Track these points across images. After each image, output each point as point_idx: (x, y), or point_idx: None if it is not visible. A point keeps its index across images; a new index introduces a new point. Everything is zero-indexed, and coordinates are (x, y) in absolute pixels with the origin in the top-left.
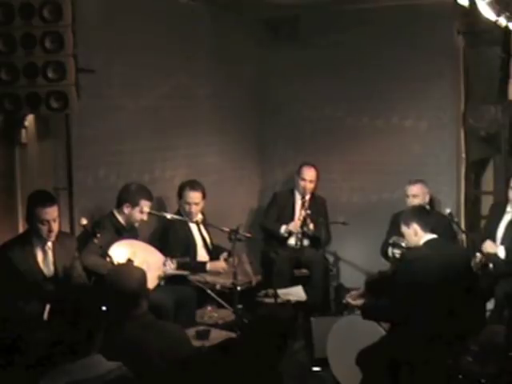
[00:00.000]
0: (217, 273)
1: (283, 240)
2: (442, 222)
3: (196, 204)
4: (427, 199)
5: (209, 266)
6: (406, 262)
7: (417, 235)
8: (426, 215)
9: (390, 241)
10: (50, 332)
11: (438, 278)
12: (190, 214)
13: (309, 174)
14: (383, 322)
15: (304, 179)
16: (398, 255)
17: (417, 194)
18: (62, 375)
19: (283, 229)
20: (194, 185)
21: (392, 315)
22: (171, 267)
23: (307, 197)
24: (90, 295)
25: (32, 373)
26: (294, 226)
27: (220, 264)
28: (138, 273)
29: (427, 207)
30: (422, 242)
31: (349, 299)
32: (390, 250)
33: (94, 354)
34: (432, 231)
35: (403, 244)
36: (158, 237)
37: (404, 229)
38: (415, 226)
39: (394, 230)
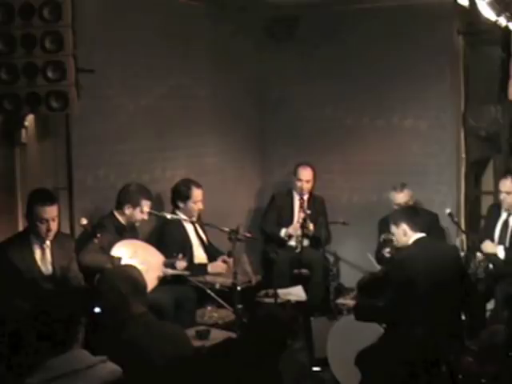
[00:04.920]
0: (218, 274)
1: (283, 241)
2: (429, 221)
3: (201, 201)
4: (411, 203)
5: (210, 268)
6: (395, 262)
7: (406, 235)
8: (415, 215)
9: (381, 239)
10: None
11: (427, 276)
12: (193, 212)
13: (305, 174)
14: (376, 322)
15: (300, 179)
16: (388, 254)
17: (403, 202)
18: (46, 370)
19: (283, 232)
20: (196, 183)
21: (384, 316)
22: (182, 266)
23: (305, 197)
24: (84, 296)
25: (20, 370)
26: (294, 228)
27: (220, 265)
28: (129, 273)
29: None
30: (410, 241)
31: (342, 300)
32: (384, 251)
33: (76, 348)
34: (421, 231)
35: (394, 238)
36: (156, 237)
37: (393, 229)
38: (404, 227)
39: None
